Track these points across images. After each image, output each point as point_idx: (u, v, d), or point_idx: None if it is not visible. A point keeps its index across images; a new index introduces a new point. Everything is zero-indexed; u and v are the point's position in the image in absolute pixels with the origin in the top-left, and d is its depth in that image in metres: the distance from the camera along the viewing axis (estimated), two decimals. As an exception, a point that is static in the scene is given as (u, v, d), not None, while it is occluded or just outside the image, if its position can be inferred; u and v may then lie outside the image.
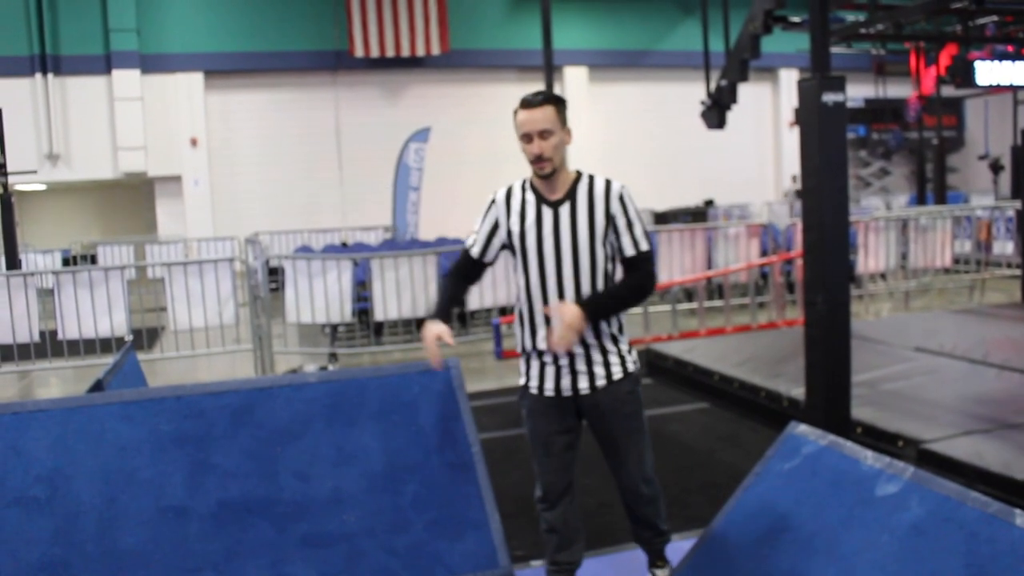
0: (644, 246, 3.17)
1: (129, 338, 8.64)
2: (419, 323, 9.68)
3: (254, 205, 20.15)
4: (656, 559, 3.56)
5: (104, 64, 19.29)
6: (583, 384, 3.17)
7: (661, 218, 18.69)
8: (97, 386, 3.81)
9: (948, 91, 17.35)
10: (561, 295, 3.14)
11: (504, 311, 10.04)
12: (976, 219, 12.33)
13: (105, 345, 8.80)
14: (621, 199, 3.17)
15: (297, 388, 3.23)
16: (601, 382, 3.17)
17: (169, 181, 20.08)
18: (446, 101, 20.60)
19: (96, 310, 8.64)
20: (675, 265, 10.63)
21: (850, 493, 2.72)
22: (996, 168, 18.43)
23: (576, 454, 3.35)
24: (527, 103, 3.07)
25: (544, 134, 3.04)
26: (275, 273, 11.60)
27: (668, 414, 6.82)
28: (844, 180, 4.95)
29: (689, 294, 11.39)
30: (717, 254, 11.03)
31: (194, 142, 19.95)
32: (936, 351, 7.32)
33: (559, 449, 3.26)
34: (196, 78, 19.90)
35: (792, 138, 19.96)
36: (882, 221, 11.31)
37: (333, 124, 20.78)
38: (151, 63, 19.48)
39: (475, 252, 3.31)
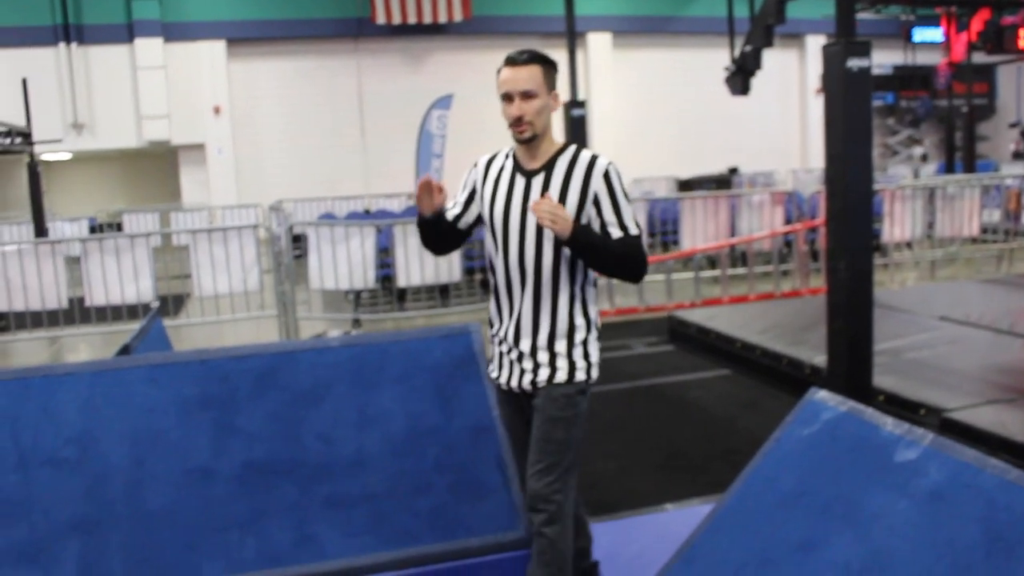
0: (633, 229, 2.81)
1: (155, 304, 8.74)
2: (442, 289, 9.72)
3: (277, 173, 20.20)
4: None
5: (126, 33, 19.32)
6: (526, 381, 2.86)
7: (685, 185, 18.56)
8: (124, 351, 3.88)
9: (980, 57, 17.06)
10: (523, 273, 2.82)
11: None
12: (1005, 188, 12.17)
13: (132, 311, 8.90)
14: (606, 176, 2.79)
15: (320, 352, 3.27)
16: (542, 384, 2.83)
17: (193, 149, 20.16)
18: (468, 68, 20.49)
19: (123, 277, 8.74)
20: (698, 233, 10.59)
21: (868, 459, 2.72)
22: (1028, 136, 18.16)
23: None
24: (511, 60, 2.78)
25: (526, 95, 2.73)
26: (299, 240, 11.67)
27: (690, 381, 6.84)
28: (868, 147, 4.90)
29: (712, 262, 11.35)
30: (741, 222, 10.97)
31: (217, 110, 20.00)
32: (961, 321, 7.27)
33: (524, 443, 2.94)
34: (218, 46, 19.90)
35: (819, 106, 19.78)
36: (909, 189, 11.19)
37: (355, 91, 20.74)
38: (173, 31, 19.49)
39: (450, 214, 3.00)
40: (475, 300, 9.98)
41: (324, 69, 20.53)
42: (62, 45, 18.96)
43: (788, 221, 11.26)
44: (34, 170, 12.76)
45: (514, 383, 2.89)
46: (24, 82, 13.12)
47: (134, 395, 3.16)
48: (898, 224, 10.93)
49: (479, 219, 2.99)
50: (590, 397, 2.92)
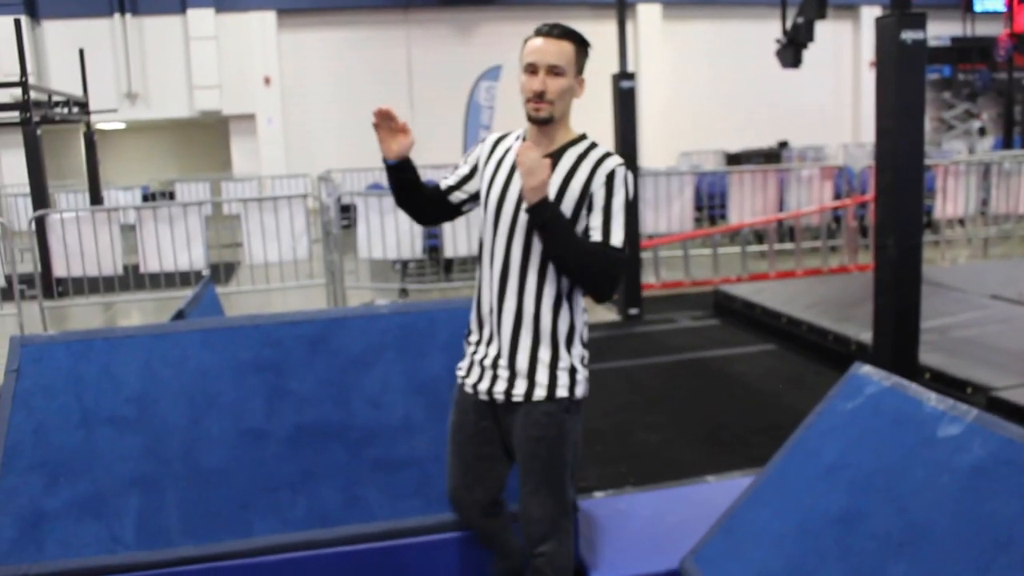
0: (615, 240, 2.48)
1: (206, 272, 8.92)
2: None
3: (326, 143, 20.36)
4: None
5: (179, 3, 19.56)
6: (499, 388, 2.59)
7: (733, 159, 18.39)
8: (179, 316, 3.99)
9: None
10: (506, 265, 2.56)
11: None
12: (1064, 164, 11.88)
13: (184, 279, 9.09)
14: (610, 179, 2.50)
15: (370, 319, 3.34)
16: (518, 398, 2.57)
17: (243, 119, 20.39)
18: (518, 39, 19.87)
19: (176, 244, 8.92)
20: (746, 207, 10.52)
21: (911, 433, 2.73)
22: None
23: (497, 472, 2.75)
24: (543, 32, 2.54)
25: (554, 71, 2.48)
26: (347, 210, 11.80)
27: (734, 355, 6.84)
28: (920, 122, 4.84)
29: (759, 236, 11.27)
30: (789, 196, 10.87)
31: (267, 81, 20.18)
32: (1013, 299, 7.16)
33: (470, 455, 2.71)
34: (269, 16, 20.05)
35: (873, 78, 19.42)
36: (963, 165, 10.99)
37: (404, 62, 20.79)
38: (225, 2, 19.69)
39: (444, 183, 2.78)
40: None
41: (373, 39, 20.60)
42: (117, 16, 19.24)
43: (838, 196, 11.14)
44: (91, 139, 13.04)
45: (483, 387, 2.62)
46: (81, 53, 13.39)
47: (190, 358, 3.26)
48: (951, 200, 10.76)
49: (475, 198, 2.76)
50: (581, 416, 2.67)
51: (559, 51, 2.50)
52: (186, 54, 19.67)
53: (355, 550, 3.03)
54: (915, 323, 5.04)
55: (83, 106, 12.92)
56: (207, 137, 22.71)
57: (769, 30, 12.77)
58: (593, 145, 2.59)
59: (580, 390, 2.60)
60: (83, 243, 8.86)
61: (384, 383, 3.24)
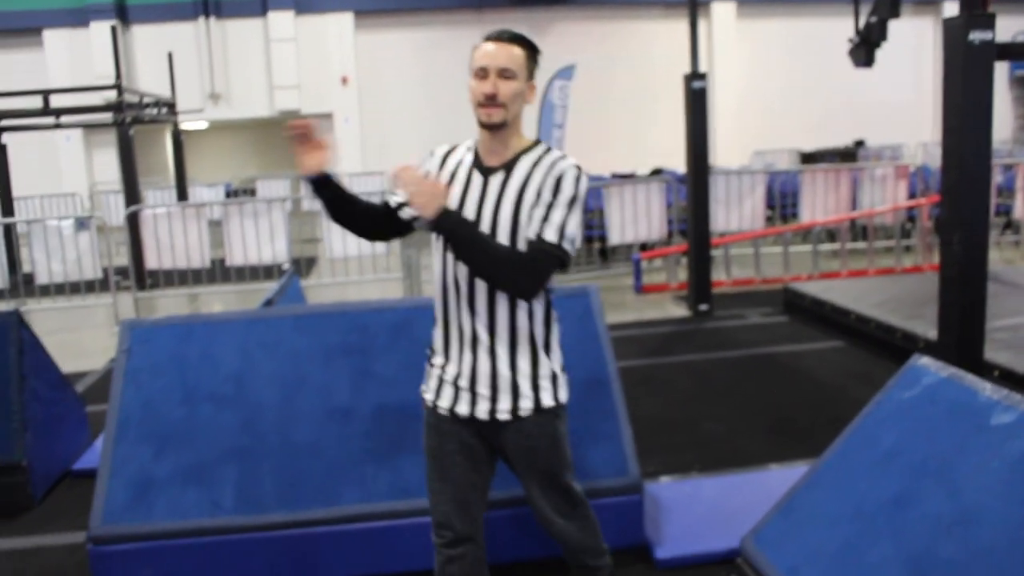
0: (548, 234, 2.39)
1: (287, 266, 9.29)
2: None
3: (401, 141, 20.76)
4: None
5: (260, 6, 20.18)
6: (482, 408, 2.52)
7: (808, 158, 18.22)
8: (268, 304, 4.28)
9: None
10: (472, 284, 2.47)
11: (644, 247, 10.23)
12: None
13: (267, 272, 9.48)
14: (559, 180, 2.43)
15: (449, 307, 3.56)
16: (504, 416, 2.51)
17: (321, 118, 20.93)
18: (591, 38, 20.54)
19: (260, 239, 9.31)
20: (818, 206, 10.51)
21: (965, 421, 2.84)
22: None
23: (484, 489, 2.66)
24: (493, 36, 2.49)
25: (504, 74, 2.43)
26: (422, 207, 12.10)
27: (802, 351, 6.90)
28: (988, 121, 4.86)
29: (832, 235, 11.23)
30: (862, 195, 10.81)
31: (344, 81, 20.69)
32: (1090, 298, 7.08)
33: (457, 474, 2.59)
34: (346, 18, 20.55)
35: (951, 75, 18.86)
36: (1045, 164, 10.80)
37: (478, 62, 21.11)
38: (304, 4, 20.24)
39: (393, 200, 2.67)
40: (593, 268, 10.24)
41: (448, 39, 20.94)
42: (202, 19, 19.94)
43: (913, 195, 11.04)
44: (178, 139, 13.59)
45: (462, 409, 2.54)
46: (170, 56, 13.95)
47: (283, 341, 3.53)
48: (1032, 199, 10.59)
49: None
50: (567, 416, 2.66)
51: (509, 55, 2.46)
52: (266, 55, 20.28)
53: (433, 521, 3.26)
54: (980, 320, 5.07)
55: (171, 107, 13.45)
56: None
57: (845, 27, 12.69)
58: (547, 150, 2.53)
59: (564, 394, 2.60)
60: (173, 237, 9.30)
61: (462, 367, 3.45)
